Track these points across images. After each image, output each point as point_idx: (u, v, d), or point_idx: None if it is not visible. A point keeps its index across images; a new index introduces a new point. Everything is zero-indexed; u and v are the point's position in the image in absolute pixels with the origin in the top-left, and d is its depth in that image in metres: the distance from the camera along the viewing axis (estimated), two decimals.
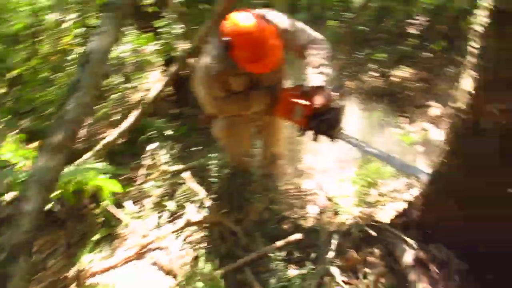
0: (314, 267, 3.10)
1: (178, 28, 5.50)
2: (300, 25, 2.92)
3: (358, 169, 4.18)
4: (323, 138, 3.04)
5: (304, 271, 3.11)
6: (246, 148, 3.85)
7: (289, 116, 3.09)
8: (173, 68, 4.99)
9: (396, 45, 6.33)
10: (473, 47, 2.21)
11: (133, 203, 4.07)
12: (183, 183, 4.19)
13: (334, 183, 4.18)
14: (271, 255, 3.23)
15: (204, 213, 3.83)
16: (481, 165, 2.42)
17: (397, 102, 5.34)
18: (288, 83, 3.43)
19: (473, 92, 2.29)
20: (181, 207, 3.97)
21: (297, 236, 3.43)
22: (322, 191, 4.05)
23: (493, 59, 2.13)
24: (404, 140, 4.39)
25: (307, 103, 2.93)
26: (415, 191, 3.93)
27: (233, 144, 3.71)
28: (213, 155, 4.37)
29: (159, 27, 5.62)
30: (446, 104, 5.08)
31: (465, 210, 2.61)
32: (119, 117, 5.09)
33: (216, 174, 4.10)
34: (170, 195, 4.15)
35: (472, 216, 2.57)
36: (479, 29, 2.13)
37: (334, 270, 3.01)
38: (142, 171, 4.49)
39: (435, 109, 5.00)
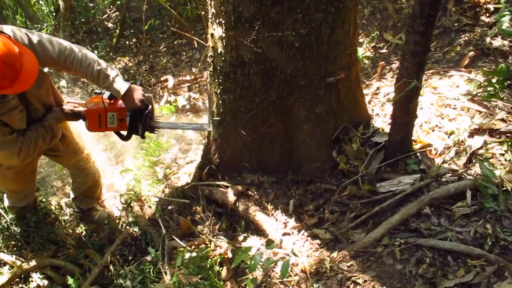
0: (157, 250, 3.23)
1: None
2: (44, 36, 2.69)
3: (134, 158, 4.37)
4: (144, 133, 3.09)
5: (148, 257, 3.21)
6: (34, 184, 3.59)
7: (104, 126, 3.00)
8: None
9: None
10: None
11: None
12: None
13: (119, 178, 4.25)
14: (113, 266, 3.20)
15: (7, 269, 3.39)
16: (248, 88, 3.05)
17: None
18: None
19: (224, 35, 2.88)
20: None
21: (124, 234, 3.47)
22: (116, 192, 4.10)
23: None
24: (167, 111, 4.74)
25: (122, 106, 2.92)
26: (192, 153, 4.42)
27: (22, 185, 3.40)
28: None
29: None
30: (175, 76, 5.71)
31: (248, 132, 3.24)
32: None
33: (1, 226, 3.61)
34: None
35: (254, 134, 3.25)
36: None
37: (177, 241, 3.20)
38: None
39: (170, 81, 5.48)
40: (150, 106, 2.98)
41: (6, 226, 3.65)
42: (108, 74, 2.77)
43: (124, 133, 3.07)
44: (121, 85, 2.79)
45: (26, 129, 2.79)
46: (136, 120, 2.97)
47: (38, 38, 2.62)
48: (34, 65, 2.43)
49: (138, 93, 2.87)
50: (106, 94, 2.92)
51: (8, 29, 2.47)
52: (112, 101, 2.94)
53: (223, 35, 2.88)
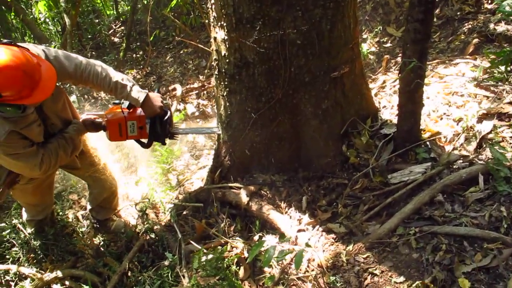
0: (174, 254, 3.25)
1: None
2: (60, 51, 2.79)
3: (147, 167, 4.41)
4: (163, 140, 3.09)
5: (166, 262, 3.24)
6: (51, 197, 3.64)
7: (124, 135, 3.05)
8: None
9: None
10: None
11: None
12: None
13: (134, 188, 4.30)
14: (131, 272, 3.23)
15: (28, 282, 3.43)
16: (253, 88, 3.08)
17: None
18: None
19: (226, 37, 2.92)
20: None
21: (141, 241, 3.50)
22: (131, 201, 4.14)
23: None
24: (177, 119, 4.79)
25: (141, 114, 2.97)
26: (204, 159, 4.45)
27: (40, 198, 3.46)
28: None
29: None
30: (183, 84, 5.77)
31: (257, 132, 3.26)
32: None
33: (20, 240, 3.67)
34: None
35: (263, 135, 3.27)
36: None
37: (193, 245, 3.22)
38: None
39: (178, 90, 5.54)
40: (169, 112, 3.01)
41: (25, 240, 3.71)
42: (125, 84, 2.82)
43: (145, 141, 3.10)
44: (138, 94, 2.84)
45: (46, 142, 2.86)
46: (156, 127, 2.99)
47: (54, 54, 2.71)
48: (52, 75, 2.50)
49: (157, 100, 2.91)
50: (125, 103, 2.94)
51: (24, 45, 2.54)
52: (131, 110, 2.98)
53: (226, 37, 2.92)
